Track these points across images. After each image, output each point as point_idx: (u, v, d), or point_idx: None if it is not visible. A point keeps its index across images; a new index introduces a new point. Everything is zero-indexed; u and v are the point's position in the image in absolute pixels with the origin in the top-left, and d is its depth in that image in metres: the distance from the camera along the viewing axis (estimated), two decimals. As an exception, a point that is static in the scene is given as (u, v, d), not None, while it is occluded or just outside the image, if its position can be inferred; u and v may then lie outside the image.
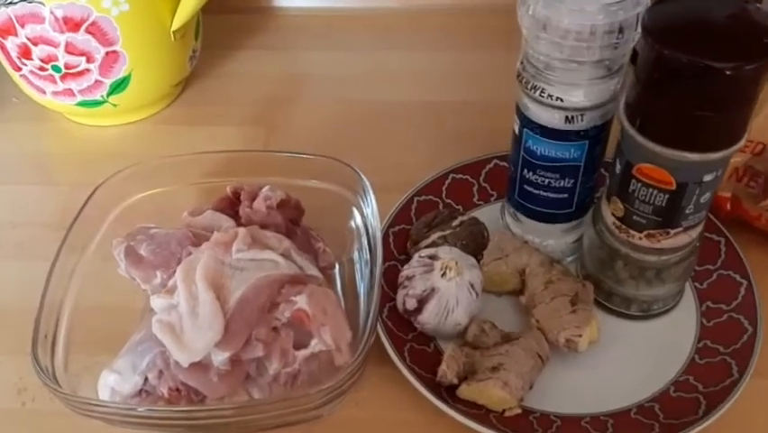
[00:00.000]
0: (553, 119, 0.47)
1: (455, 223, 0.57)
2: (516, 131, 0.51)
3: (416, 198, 0.60)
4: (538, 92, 0.46)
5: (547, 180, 0.51)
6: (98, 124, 0.72)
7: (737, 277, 0.54)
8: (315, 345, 0.48)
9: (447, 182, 0.62)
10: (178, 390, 0.47)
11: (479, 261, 0.54)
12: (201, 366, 0.46)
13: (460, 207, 0.61)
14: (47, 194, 0.66)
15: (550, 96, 0.46)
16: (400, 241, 0.58)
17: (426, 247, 0.55)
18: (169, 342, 0.46)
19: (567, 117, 0.47)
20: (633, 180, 0.45)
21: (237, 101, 0.75)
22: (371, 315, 0.46)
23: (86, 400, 0.44)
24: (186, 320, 0.47)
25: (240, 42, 0.83)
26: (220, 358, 0.46)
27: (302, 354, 0.48)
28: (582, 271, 0.55)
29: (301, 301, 0.48)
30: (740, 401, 0.47)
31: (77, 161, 0.70)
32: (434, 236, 0.56)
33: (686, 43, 0.39)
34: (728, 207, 0.57)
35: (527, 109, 0.49)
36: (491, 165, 0.63)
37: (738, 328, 0.51)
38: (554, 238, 0.56)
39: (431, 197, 0.61)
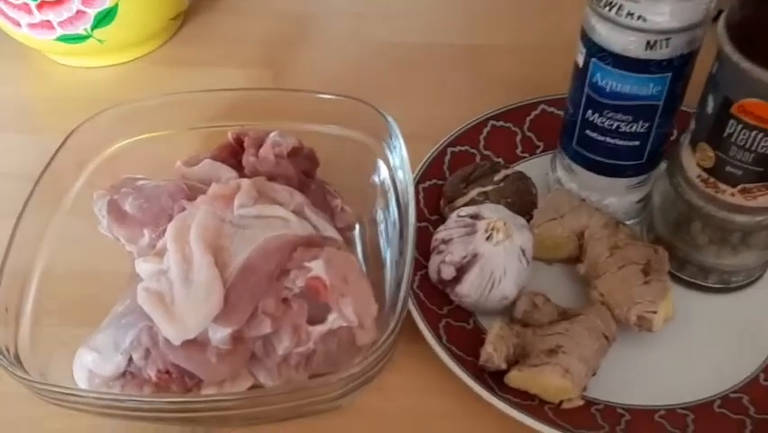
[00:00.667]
0: (629, 45, 0.38)
1: (498, 177, 0.48)
2: (581, 62, 0.42)
3: (449, 149, 0.52)
4: (614, 10, 0.37)
5: (616, 124, 0.42)
6: (83, 65, 0.65)
7: (837, 244, 0.45)
8: (333, 321, 0.40)
9: (486, 131, 0.53)
10: (168, 372, 0.40)
11: (527, 222, 0.45)
12: (196, 344, 0.39)
13: (500, 159, 0.52)
14: (25, 143, 0.59)
15: (629, 14, 0.37)
16: (431, 198, 0.49)
17: (465, 205, 0.46)
18: (158, 315, 0.38)
19: (648, 42, 0.38)
20: (731, 122, 0.36)
21: (242, 40, 0.67)
22: (404, 284, 0.38)
23: (55, 389, 0.36)
24: (178, 289, 0.39)
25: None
26: (219, 335, 0.38)
27: (317, 330, 0.40)
28: (650, 235, 0.46)
29: (317, 268, 0.40)
30: None
31: (60, 106, 0.62)
32: (474, 193, 0.47)
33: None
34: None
35: (597, 33, 0.39)
36: (537, 111, 0.54)
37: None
38: (617, 196, 0.47)
39: (467, 147, 0.52)
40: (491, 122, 0.53)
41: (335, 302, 0.40)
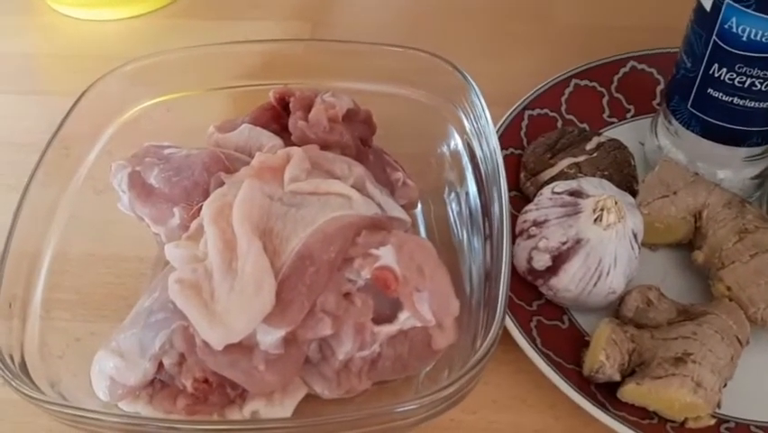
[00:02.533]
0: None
1: (590, 146, 0.41)
2: (708, 5, 0.34)
3: (526, 113, 0.45)
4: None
5: (750, 81, 0.35)
6: (95, 18, 0.58)
7: None
8: (405, 320, 0.33)
9: (568, 91, 0.46)
10: (206, 381, 0.33)
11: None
12: (241, 349, 0.32)
13: (585, 124, 0.45)
14: (32, 105, 0.53)
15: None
16: (509, 171, 0.42)
17: (553, 179, 0.39)
18: (195, 313, 0.32)
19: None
20: None
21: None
22: (503, 279, 0.30)
23: (68, 410, 0.29)
24: (219, 281, 0.32)
25: None
26: (270, 338, 0.32)
27: (385, 331, 0.33)
28: (772, 217, 0.39)
29: (386, 256, 0.33)
30: None
31: (67, 64, 0.56)
32: (564, 164, 0.40)
33: None
34: None
35: (740, -32, 0.32)
36: (627, 69, 0.47)
37: None
38: (732, 169, 0.40)
39: (546, 111, 0.45)
40: (574, 80, 0.46)
41: (408, 298, 0.32)
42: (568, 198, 0.36)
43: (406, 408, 0.29)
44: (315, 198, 0.34)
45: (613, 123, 0.46)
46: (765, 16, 0.32)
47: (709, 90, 0.36)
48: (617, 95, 0.46)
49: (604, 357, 0.32)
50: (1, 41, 0.58)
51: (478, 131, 0.37)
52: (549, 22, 0.55)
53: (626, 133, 0.45)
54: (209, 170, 0.36)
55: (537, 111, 0.45)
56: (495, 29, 0.55)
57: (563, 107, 0.45)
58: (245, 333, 0.31)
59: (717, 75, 0.35)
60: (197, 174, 0.36)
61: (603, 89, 0.46)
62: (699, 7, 0.35)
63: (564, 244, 0.35)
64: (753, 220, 0.36)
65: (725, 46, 0.34)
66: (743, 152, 0.39)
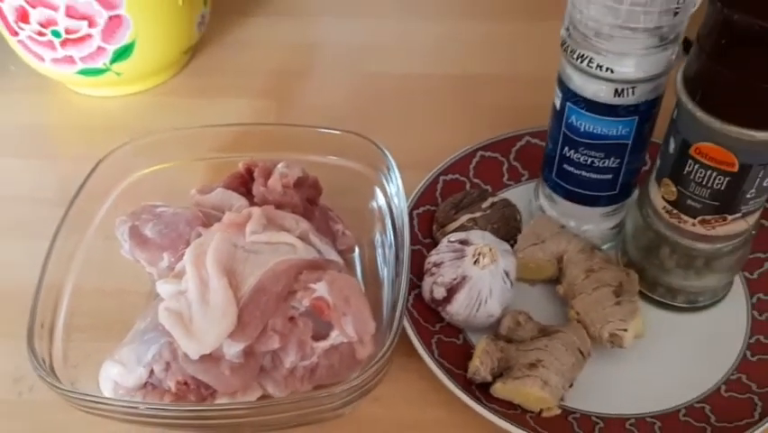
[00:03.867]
0: (600, 92, 0.43)
1: (486, 204, 0.52)
2: (558, 105, 0.46)
3: (441, 178, 0.56)
4: (585, 62, 0.42)
5: (590, 160, 0.47)
6: (102, 95, 0.69)
7: (792, 267, 0.50)
8: (335, 337, 0.44)
9: (475, 160, 0.58)
10: (186, 383, 0.43)
11: (511, 246, 0.50)
12: (212, 359, 0.43)
13: (488, 187, 0.57)
14: (47, 168, 0.63)
15: (599, 66, 0.42)
16: (425, 223, 0.54)
17: (455, 231, 0.51)
18: (178, 332, 0.42)
19: (616, 90, 0.42)
20: (689, 161, 0.41)
21: (248, 72, 0.71)
22: (399, 304, 0.42)
23: (86, 397, 0.40)
24: (195, 308, 0.43)
25: (252, 8, 0.78)
26: (233, 350, 0.43)
27: (321, 345, 0.44)
28: (624, 258, 0.51)
29: (321, 289, 0.44)
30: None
31: (80, 133, 0.66)
32: (463, 219, 0.52)
33: (757, 6, 0.35)
34: (782, 190, 0.52)
35: (571, 81, 0.44)
36: (523, 142, 0.58)
37: (795, 323, 0.47)
38: (594, 223, 0.52)
39: (457, 176, 0.57)
40: (480, 152, 0.58)
41: (337, 320, 0.44)
42: (458, 246, 0.47)
43: (328, 393, 0.40)
44: (269, 246, 0.45)
45: (511, 185, 0.57)
46: (593, 115, 0.44)
47: (565, 165, 0.48)
48: (514, 163, 0.58)
49: (479, 363, 0.44)
50: (23, 115, 0.68)
51: (393, 193, 0.49)
52: (468, 101, 0.66)
53: (521, 193, 0.56)
54: (190, 224, 0.47)
55: (450, 176, 0.56)
56: (424, 109, 0.66)
57: (471, 173, 0.57)
58: (214, 346, 0.42)
59: (568, 155, 0.47)
60: (182, 228, 0.47)
61: (504, 159, 0.58)
62: (553, 106, 0.47)
63: (455, 279, 0.46)
64: (598, 262, 0.48)
65: (570, 135, 0.46)
66: (599, 210, 0.51)
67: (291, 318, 0.44)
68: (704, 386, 0.45)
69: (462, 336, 0.48)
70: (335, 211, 0.52)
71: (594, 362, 0.46)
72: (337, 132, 0.52)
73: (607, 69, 0.41)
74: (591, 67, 0.42)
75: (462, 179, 0.57)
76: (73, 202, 0.48)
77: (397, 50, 0.73)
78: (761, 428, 0.42)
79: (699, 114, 0.39)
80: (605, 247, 0.52)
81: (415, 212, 0.54)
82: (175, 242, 0.47)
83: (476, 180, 0.57)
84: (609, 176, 0.47)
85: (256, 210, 0.47)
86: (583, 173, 0.48)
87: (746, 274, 0.51)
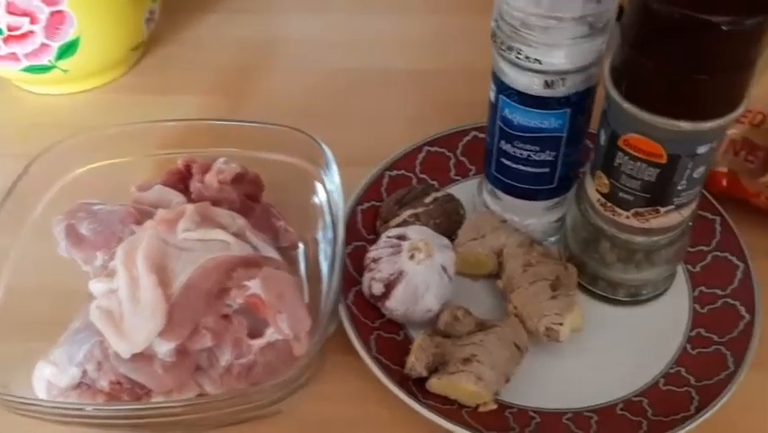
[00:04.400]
0: (531, 84, 0.43)
1: (428, 200, 0.52)
2: (492, 98, 0.46)
3: (387, 173, 0.56)
4: (514, 53, 0.42)
5: (526, 153, 0.46)
6: (49, 92, 0.68)
7: (734, 259, 0.49)
8: (270, 334, 0.44)
9: (421, 156, 0.57)
10: (119, 383, 0.43)
11: (453, 241, 0.49)
12: (144, 357, 0.42)
13: (435, 182, 0.56)
14: None
15: (527, 57, 0.41)
16: (369, 219, 0.53)
17: (397, 226, 0.50)
18: (108, 331, 0.42)
19: (546, 82, 0.42)
20: (619, 153, 0.41)
21: (201, 69, 0.70)
22: (330, 301, 0.42)
23: (18, 399, 0.39)
24: (126, 307, 0.42)
25: (206, 5, 0.77)
26: (164, 349, 0.42)
27: (257, 343, 0.44)
28: (566, 252, 0.51)
29: (254, 286, 0.44)
30: (736, 396, 0.43)
31: (26, 131, 0.65)
32: (405, 214, 0.51)
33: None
34: (724, 183, 0.52)
35: (503, 73, 0.44)
36: (469, 137, 0.58)
37: (734, 316, 0.47)
38: (536, 217, 0.51)
39: (403, 171, 0.56)
40: (426, 147, 0.57)
41: (272, 317, 0.43)
42: (395, 241, 0.47)
43: (259, 389, 0.40)
44: (202, 243, 0.45)
45: (458, 180, 0.57)
46: (526, 108, 0.44)
47: (502, 159, 0.48)
48: (461, 158, 0.57)
49: (414, 359, 0.43)
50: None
51: (331, 189, 0.48)
52: (420, 96, 0.66)
53: (468, 188, 0.56)
54: (124, 222, 0.46)
55: (396, 171, 0.56)
56: (377, 104, 0.65)
57: (418, 168, 0.57)
58: (145, 345, 0.41)
59: (504, 149, 0.47)
60: (116, 226, 0.46)
61: (450, 154, 0.57)
62: (489, 99, 0.47)
63: (392, 275, 0.46)
64: (536, 256, 0.47)
65: (505, 128, 0.46)
66: (540, 204, 0.50)
67: (225, 316, 0.44)
68: (643, 380, 0.45)
69: (403, 332, 0.48)
70: (278, 208, 0.52)
71: (532, 356, 0.46)
72: (277, 127, 0.51)
73: (535, 60, 0.41)
74: (520, 58, 0.41)
75: (409, 174, 0.56)
76: (5, 200, 0.47)
77: (351, 45, 0.73)
78: (696, 422, 0.41)
79: (626, 105, 0.39)
80: (550, 241, 0.52)
81: (359, 208, 0.53)
82: (109, 240, 0.47)
83: (423, 176, 0.57)
84: (546, 169, 0.47)
85: (189, 207, 0.46)
86: (520, 167, 0.47)
87: (689, 267, 0.50)
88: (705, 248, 0.51)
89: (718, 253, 0.50)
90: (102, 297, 0.44)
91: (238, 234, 0.46)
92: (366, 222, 0.53)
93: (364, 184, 0.55)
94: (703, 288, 0.49)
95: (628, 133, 0.40)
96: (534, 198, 0.50)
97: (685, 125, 0.37)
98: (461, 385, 0.42)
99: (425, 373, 0.44)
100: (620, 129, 0.40)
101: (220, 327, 0.43)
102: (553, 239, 0.52)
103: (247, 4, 0.78)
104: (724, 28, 0.33)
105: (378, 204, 0.54)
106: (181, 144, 0.53)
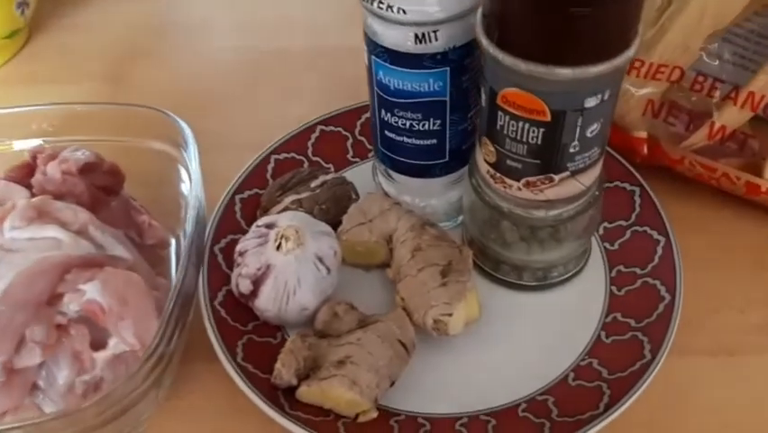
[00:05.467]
0: (401, 39, 0.37)
1: (315, 183, 0.46)
2: (366, 61, 0.40)
3: (273, 157, 0.50)
4: (377, 3, 0.36)
5: (408, 123, 0.40)
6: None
7: (654, 234, 0.44)
8: (115, 345, 0.38)
9: (314, 136, 0.51)
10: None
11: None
12: (-33, 378, 0.36)
13: (330, 165, 0.51)
14: None
15: (390, 7, 0.35)
16: (250, 209, 0.47)
17: (279, 214, 0.44)
18: None
19: (417, 36, 0.36)
20: (500, 113, 0.35)
21: (85, 56, 0.64)
22: (170, 303, 0.36)
23: None
24: (-62, 321, 0.36)
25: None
26: (-15, 367, 0.36)
27: (102, 356, 0.38)
28: (467, 235, 0.45)
29: (92, 291, 0.38)
30: (654, 389, 0.37)
31: None
32: (287, 201, 0.45)
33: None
34: (645, 150, 0.47)
35: (372, 31, 0.38)
36: (369, 114, 0.52)
37: (654, 297, 0.41)
38: (435, 197, 0.46)
39: (293, 154, 0.50)
40: (320, 127, 0.52)
41: (113, 326, 0.37)
42: (264, 230, 0.41)
43: (77, 410, 0.34)
44: (31, 242, 0.39)
45: (356, 162, 0.51)
46: (399, 68, 0.38)
47: (386, 132, 0.42)
48: (360, 137, 0.52)
49: (280, 365, 0.37)
50: None
51: (193, 173, 0.42)
52: (322, 75, 0.60)
53: (367, 171, 0.50)
54: (-54, 223, 0.41)
55: (284, 155, 0.50)
56: (274, 85, 0.60)
57: (310, 150, 0.51)
58: None
59: (386, 119, 0.41)
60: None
61: (348, 133, 0.52)
62: (366, 64, 0.41)
63: (259, 270, 0.40)
64: (428, 240, 0.41)
65: (382, 94, 0.40)
66: (437, 182, 0.44)
67: (59, 326, 0.37)
68: (551, 375, 0.39)
69: (282, 334, 0.42)
70: (141, 201, 0.46)
71: (422, 354, 0.40)
72: (134, 108, 0.46)
73: (400, 9, 0.35)
74: (383, 8, 0.36)
75: (300, 157, 0.51)
76: None
77: (245, 24, 0.67)
78: (604, 423, 0.36)
79: (497, 54, 0.33)
80: (458, 222, 0.46)
81: (238, 196, 0.47)
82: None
83: (316, 159, 0.51)
84: (434, 141, 0.41)
85: (21, 202, 0.40)
86: (405, 139, 0.42)
87: (606, 245, 0.45)
88: (624, 223, 0.45)
89: (638, 228, 0.44)
90: None
91: (81, 232, 0.40)
92: (246, 212, 0.47)
93: (244, 170, 0.49)
94: (621, 267, 0.44)
95: (505, 88, 0.34)
96: (428, 175, 0.44)
97: (566, 73, 0.32)
98: (334, 392, 0.36)
99: (294, 381, 0.38)
100: (497, 85, 0.34)
101: (53, 340, 0.37)
102: (459, 220, 0.46)
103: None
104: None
105: (261, 191, 0.48)
106: (35, 133, 0.47)
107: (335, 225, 0.44)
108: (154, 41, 0.66)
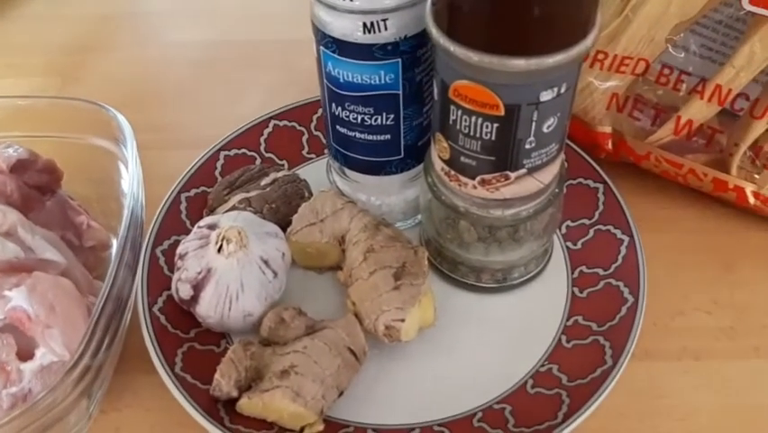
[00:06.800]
0: (349, 29, 0.35)
1: (266, 181, 0.44)
2: (315, 52, 0.38)
3: (222, 153, 0.47)
4: (321, -11, 0.34)
5: (360, 117, 0.38)
6: None
7: (618, 233, 0.42)
8: (43, 355, 0.35)
9: (267, 131, 0.49)
10: None
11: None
12: None
13: (284, 162, 0.48)
14: None
15: (335, -7, 0.33)
16: (196, 208, 0.45)
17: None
18: None
19: (366, 25, 0.34)
20: (452, 107, 0.33)
21: (34, 48, 0.62)
22: (96, 310, 0.33)
23: None
24: None
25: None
26: None
27: (29, 367, 0.35)
28: (424, 235, 0.43)
29: (18, 297, 0.35)
30: (615, 396, 0.35)
31: None
32: (236, 200, 0.43)
33: None
34: (609, 145, 0.45)
35: (318, 19, 0.36)
36: (323, 108, 0.50)
37: (617, 299, 0.39)
38: (393, 195, 0.43)
39: (245, 151, 0.48)
40: (273, 122, 0.49)
41: (41, 335, 0.35)
42: (206, 231, 0.39)
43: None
44: (-49, 246, 0.36)
45: (312, 159, 0.49)
46: (348, 60, 0.36)
47: (337, 127, 0.40)
48: (316, 133, 0.50)
49: (219, 375, 0.35)
50: None
51: (132, 169, 0.40)
52: (281, 68, 0.58)
53: (324, 168, 0.48)
54: None
55: (234, 151, 0.48)
56: (232, 79, 0.57)
57: (263, 146, 0.48)
58: None
59: (337, 113, 0.39)
60: None
61: (303, 128, 0.50)
62: (315, 55, 0.39)
63: (199, 273, 0.38)
64: (381, 241, 0.39)
65: (332, 87, 0.38)
66: (393, 179, 0.42)
67: (-18, 335, 0.35)
68: (509, 382, 0.37)
69: (226, 341, 0.40)
70: (80, 200, 0.43)
71: (373, 362, 0.38)
72: (68, 101, 0.43)
73: (345, -4, 0.33)
74: (328, -5, 0.33)
75: (252, 153, 0.48)
76: None
77: (196, 17, 0.65)
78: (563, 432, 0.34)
79: (447, 44, 0.31)
80: (417, 221, 0.44)
81: (184, 195, 0.45)
82: None
83: (269, 155, 0.48)
84: (387, 136, 0.39)
85: (-60, 203, 0.37)
86: (357, 134, 0.39)
87: (569, 245, 0.43)
88: (587, 221, 0.43)
89: (601, 227, 0.43)
90: None
91: (8, 234, 0.38)
92: (193, 212, 0.45)
93: (191, 167, 0.46)
94: (584, 268, 0.42)
95: (457, 81, 0.32)
96: (382, 173, 0.41)
97: (519, 64, 0.30)
98: (276, 404, 0.34)
99: (234, 393, 0.35)
100: (448, 77, 0.32)
101: (-26, 350, 0.34)
102: (418, 219, 0.44)
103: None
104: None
105: (209, 190, 0.46)
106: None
107: (286, 225, 0.42)
108: (105, 34, 0.63)
